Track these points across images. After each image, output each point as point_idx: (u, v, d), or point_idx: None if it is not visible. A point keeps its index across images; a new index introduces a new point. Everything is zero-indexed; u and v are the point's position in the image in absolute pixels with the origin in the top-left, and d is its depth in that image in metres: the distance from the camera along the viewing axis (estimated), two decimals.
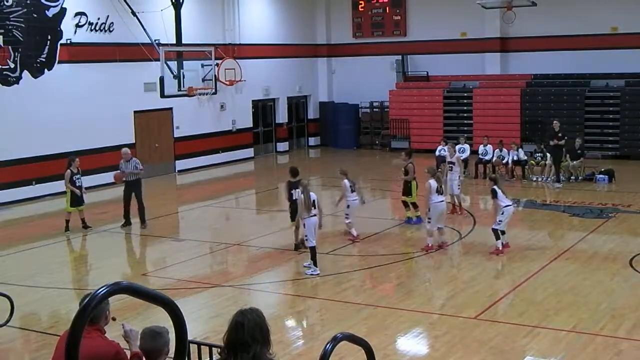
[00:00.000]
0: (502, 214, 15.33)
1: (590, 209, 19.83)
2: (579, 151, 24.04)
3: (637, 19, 28.85)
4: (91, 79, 24.50)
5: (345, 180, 16.84)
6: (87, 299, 3.38)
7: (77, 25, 24.33)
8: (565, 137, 23.65)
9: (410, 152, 19.51)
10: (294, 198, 15.72)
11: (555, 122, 23.65)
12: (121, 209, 18.90)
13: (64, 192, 18.42)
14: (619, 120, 28.64)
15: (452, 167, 19.86)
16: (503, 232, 15.47)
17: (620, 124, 28.63)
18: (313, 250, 14.37)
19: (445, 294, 12.94)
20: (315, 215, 14.48)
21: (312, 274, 14.24)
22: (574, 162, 23.70)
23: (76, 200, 18.40)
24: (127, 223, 18.96)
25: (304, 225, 14.40)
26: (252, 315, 4.52)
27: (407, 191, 18.45)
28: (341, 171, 17.45)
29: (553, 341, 10.63)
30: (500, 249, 15.35)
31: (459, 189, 19.75)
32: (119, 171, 18.87)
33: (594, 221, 18.42)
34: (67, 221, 18.47)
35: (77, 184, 18.38)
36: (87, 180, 23.65)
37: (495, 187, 15.44)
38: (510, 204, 15.72)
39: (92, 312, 3.38)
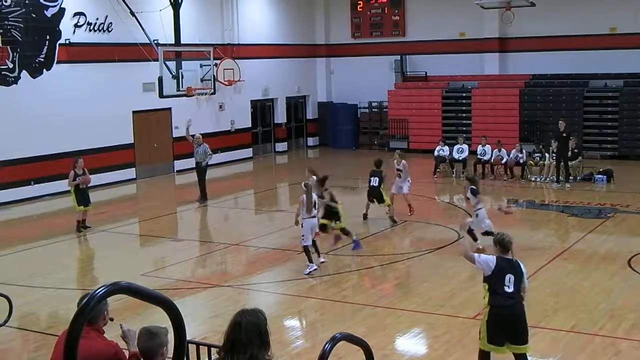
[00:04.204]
0: (477, 216, 15.43)
1: (589, 209, 19.85)
2: (575, 150, 24.05)
3: (636, 19, 28.84)
4: (90, 79, 24.49)
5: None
6: (86, 299, 3.38)
7: (76, 26, 24.33)
8: (571, 138, 23.72)
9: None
10: (371, 184, 18.46)
11: (560, 122, 23.67)
12: (119, 208, 18.92)
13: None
14: (618, 121, 28.64)
15: (400, 174, 19.42)
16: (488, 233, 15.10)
17: (619, 124, 28.63)
18: (306, 249, 14.44)
19: (444, 294, 12.94)
20: (314, 216, 14.52)
21: (309, 272, 14.26)
22: (572, 162, 23.71)
23: (82, 200, 18.38)
24: (204, 198, 22.00)
25: (302, 225, 14.43)
26: (251, 317, 4.51)
27: None
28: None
29: (552, 341, 10.64)
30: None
31: (408, 189, 19.51)
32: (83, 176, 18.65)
33: (592, 221, 18.44)
34: (79, 221, 18.51)
35: (80, 186, 18.42)
36: None
37: (473, 186, 15.62)
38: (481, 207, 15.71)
39: (90, 312, 3.38)
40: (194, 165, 22.49)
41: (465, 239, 9.38)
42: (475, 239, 15.21)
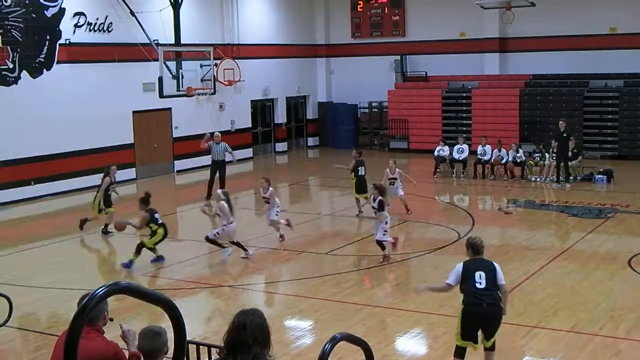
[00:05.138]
0: (386, 223, 14.99)
1: (589, 209, 19.84)
2: (575, 150, 24.02)
3: (636, 19, 28.86)
4: (90, 79, 24.49)
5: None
6: (86, 299, 3.38)
7: (76, 26, 24.33)
8: (572, 138, 23.74)
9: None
10: (359, 174, 19.11)
11: (561, 122, 23.68)
12: (119, 208, 18.90)
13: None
14: (618, 121, 28.65)
15: (394, 182, 19.31)
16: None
17: (619, 124, 28.63)
18: (209, 240, 15.47)
19: (444, 294, 12.88)
20: (233, 222, 15.32)
21: (226, 256, 15.40)
22: (572, 162, 23.70)
23: (107, 204, 18.27)
24: (209, 196, 21.61)
25: (223, 230, 15.30)
26: (254, 316, 4.51)
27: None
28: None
29: (552, 341, 10.63)
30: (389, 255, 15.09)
31: (402, 192, 19.48)
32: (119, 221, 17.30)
33: (592, 221, 18.43)
34: (85, 220, 18.45)
35: (109, 193, 18.35)
36: (85, 181, 23.76)
37: (382, 198, 14.88)
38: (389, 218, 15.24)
39: (90, 312, 3.38)
40: (210, 163, 22.77)
41: (427, 289, 9.60)
42: (383, 248, 15.02)
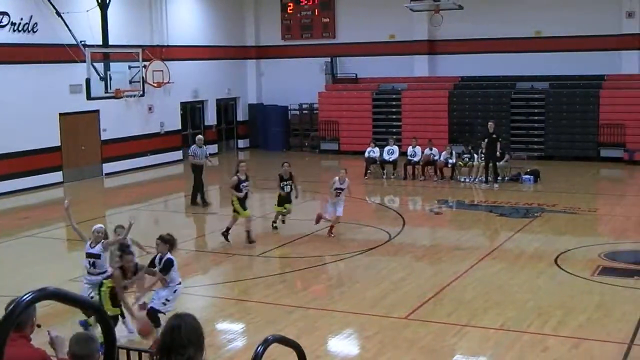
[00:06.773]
0: (175, 292, 11.05)
1: (517, 209, 20.19)
2: (502, 151, 24.34)
3: (560, 23, 29.47)
4: (15, 81, 23.94)
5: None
6: (13, 305, 3.29)
7: None
8: (500, 139, 24.09)
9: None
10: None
11: (490, 123, 24.04)
12: (46, 212, 18.59)
13: None
14: (544, 122, 29.25)
15: (340, 193, 17.59)
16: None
17: (545, 126, 29.23)
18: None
19: (375, 295, 13.02)
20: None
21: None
22: (500, 163, 24.06)
23: (244, 205, 16.95)
24: (195, 202, 21.52)
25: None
26: (189, 319, 4.49)
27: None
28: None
29: (481, 340, 10.78)
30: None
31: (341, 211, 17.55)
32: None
33: (520, 221, 18.76)
34: (248, 231, 16.89)
35: (244, 191, 16.87)
36: (11, 185, 23.21)
37: (171, 256, 11.01)
38: (180, 281, 11.27)
39: (17, 318, 3.30)
40: (193, 167, 21.94)
41: None
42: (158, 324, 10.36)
